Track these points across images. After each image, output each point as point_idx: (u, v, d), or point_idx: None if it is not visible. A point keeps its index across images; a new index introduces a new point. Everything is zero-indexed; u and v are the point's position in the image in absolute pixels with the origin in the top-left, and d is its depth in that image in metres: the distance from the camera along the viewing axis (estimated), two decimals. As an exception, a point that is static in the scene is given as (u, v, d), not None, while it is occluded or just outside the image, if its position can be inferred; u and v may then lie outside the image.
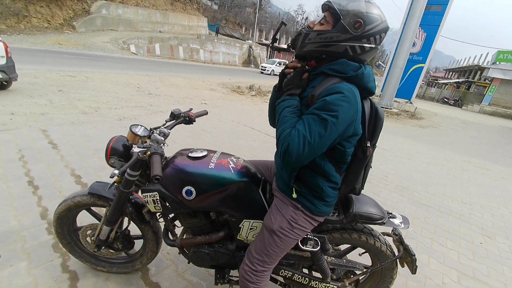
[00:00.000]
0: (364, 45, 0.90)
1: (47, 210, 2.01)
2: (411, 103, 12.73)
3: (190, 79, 11.27)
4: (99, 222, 1.38)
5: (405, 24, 10.93)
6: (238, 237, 1.23)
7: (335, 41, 0.90)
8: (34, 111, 4.17)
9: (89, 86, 6.61)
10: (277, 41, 1.07)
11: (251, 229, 1.20)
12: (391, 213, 1.29)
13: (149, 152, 1.00)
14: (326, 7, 0.92)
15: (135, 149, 1.03)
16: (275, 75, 22.77)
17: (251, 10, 47.13)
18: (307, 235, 1.15)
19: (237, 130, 5.04)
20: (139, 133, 1.11)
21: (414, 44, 11.72)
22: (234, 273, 1.44)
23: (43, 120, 3.83)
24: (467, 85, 30.26)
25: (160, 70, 12.52)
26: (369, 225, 1.29)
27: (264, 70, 23.84)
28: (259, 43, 36.71)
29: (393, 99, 11.19)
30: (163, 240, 1.37)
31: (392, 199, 3.15)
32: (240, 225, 1.20)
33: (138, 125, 1.15)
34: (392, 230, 1.34)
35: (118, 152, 1.12)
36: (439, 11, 11.79)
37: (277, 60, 25.87)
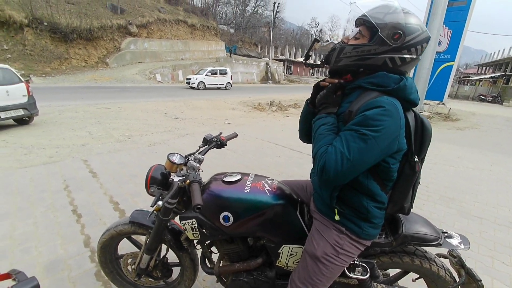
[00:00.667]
0: (405, 56, 0.85)
1: (90, 238, 2.11)
2: (443, 104, 11.94)
3: (212, 100, 11.70)
4: (139, 250, 1.41)
5: (427, 23, 10.49)
6: (277, 264, 1.18)
7: (373, 53, 0.86)
8: (76, 142, 4.55)
9: (122, 115, 7.13)
10: (309, 58, 1.07)
11: (291, 254, 1.14)
12: (447, 232, 1.16)
13: (188, 181, 1.01)
14: (361, 21, 0.90)
15: (175, 178, 1.06)
16: (209, 88, 17.47)
17: (265, 29, 48.79)
18: (354, 260, 1.06)
19: (262, 147, 5.03)
20: (176, 161, 1.14)
21: (439, 43, 11.17)
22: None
23: (84, 151, 4.16)
24: (505, 79, 27.82)
25: (184, 95, 13.19)
26: (422, 247, 1.16)
27: (189, 83, 16.81)
28: (275, 59, 37.53)
29: (422, 101, 10.57)
30: (200, 267, 1.35)
31: (438, 212, 2.86)
32: (279, 251, 1.14)
33: (174, 153, 1.18)
34: (448, 252, 1.19)
35: (157, 181, 1.15)
36: (463, 6, 11.25)
37: (208, 68, 18.24)
